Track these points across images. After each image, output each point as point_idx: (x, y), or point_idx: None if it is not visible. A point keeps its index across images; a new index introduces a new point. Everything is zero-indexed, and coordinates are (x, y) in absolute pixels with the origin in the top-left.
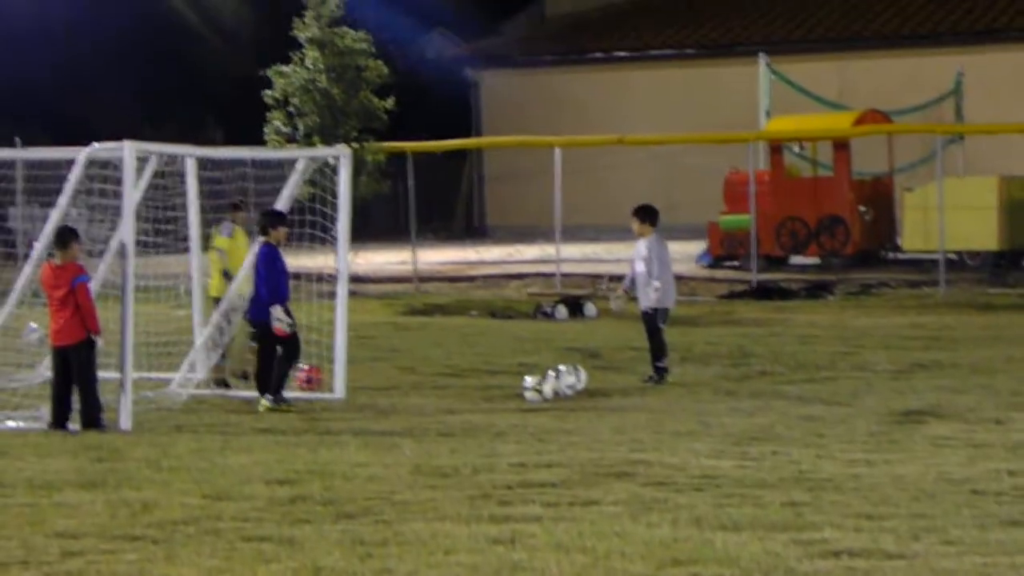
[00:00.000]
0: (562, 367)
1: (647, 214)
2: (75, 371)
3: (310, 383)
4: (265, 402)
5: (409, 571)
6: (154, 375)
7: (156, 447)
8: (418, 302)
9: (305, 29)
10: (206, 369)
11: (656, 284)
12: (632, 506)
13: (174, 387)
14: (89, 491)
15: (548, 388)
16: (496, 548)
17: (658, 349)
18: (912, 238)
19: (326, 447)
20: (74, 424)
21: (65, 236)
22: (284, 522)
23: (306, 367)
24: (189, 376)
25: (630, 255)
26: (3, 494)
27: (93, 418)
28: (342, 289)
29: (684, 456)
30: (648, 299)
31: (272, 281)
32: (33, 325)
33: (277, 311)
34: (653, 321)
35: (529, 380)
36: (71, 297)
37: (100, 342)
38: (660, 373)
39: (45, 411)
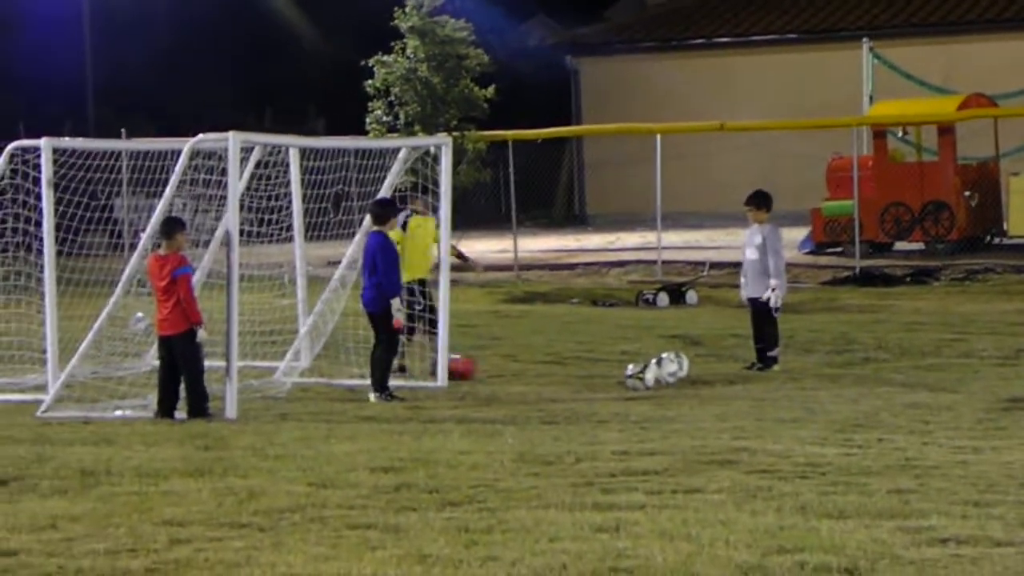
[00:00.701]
0: (664, 355)
1: (763, 200)
2: (181, 360)
3: (462, 375)
4: (372, 398)
5: (514, 559)
6: (259, 363)
7: (261, 435)
8: (519, 290)
9: (406, 19)
10: (310, 357)
11: (773, 283)
12: (736, 494)
13: (279, 375)
14: (196, 479)
15: (650, 376)
16: (600, 536)
17: (772, 338)
18: (1018, 223)
19: (429, 435)
20: (180, 412)
21: (171, 226)
22: (389, 510)
23: (458, 356)
24: (294, 364)
25: (730, 242)
26: (111, 482)
27: (199, 407)
28: (444, 277)
29: (788, 443)
30: (759, 289)
31: (390, 272)
32: (139, 314)
33: (397, 303)
34: (767, 310)
35: (631, 368)
36: (174, 287)
37: (202, 333)
38: (770, 362)
39: (152, 400)
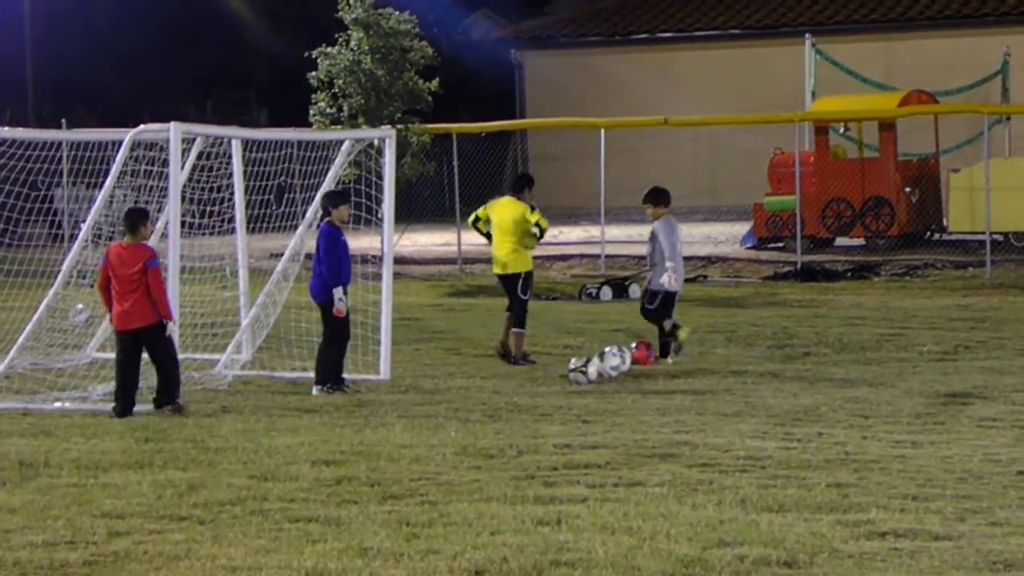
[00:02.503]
0: (607, 349)
1: (659, 196)
2: (155, 352)
3: (647, 361)
4: (315, 392)
5: (455, 552)
6: (200, 356)
7: (202, 428)
8: (462, 283)
9: (350, 10)
10: (252, 350)
11: (669, 265)
12: (677, 487)
13: (220, 368)
14: (136, 471)
15: (592, 370)
16: (541, 529)
17: (670, 327)
18: (958, 219)
19: (371, 428)
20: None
21: (135, 218)
22: (330, 503)
23: (635, 345)
24: (235, 357)
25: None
26: (50, 474)
27: (173, 395)
28: (387, 271)
29: (729, 437)
30: (656, 281)
31: (333, 262)
32: (80, 306)
33: (339, 292)
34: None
35: (574, 362)
36: (140, 279)
37: (171, 327)
38: (673, 348)
39: (93, 391)
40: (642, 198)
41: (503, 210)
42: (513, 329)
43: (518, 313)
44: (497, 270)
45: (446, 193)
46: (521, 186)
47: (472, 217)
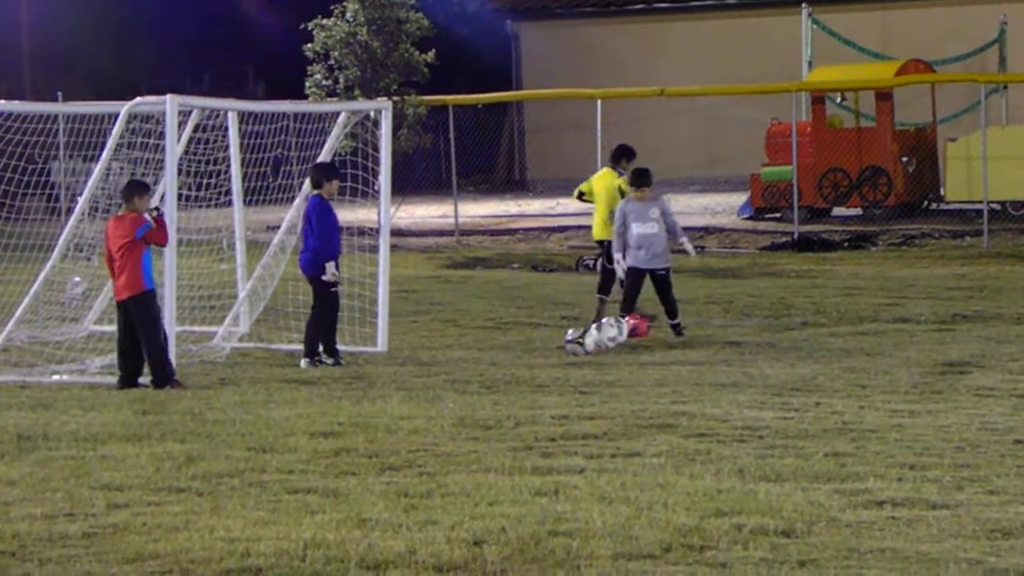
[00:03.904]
0: (604, 320)
1: (648, 177)
2: (136, 325)
3: (635, 334)
4: (303, 365)
5: (453, 522)
6: (197, 328)
7: (200, 400)
8: (459, 255)
9: None
10: (249, 322)
11: (685, 238)
12: (675, 457)
13: (217, 340)
14: (134, 444)
15: (590, 341)
16: (539, 500)
17: (676, 306)
18: (955, 189)
19: (369, 400)
20: (145, 379)
21: (129, 190)
22: (328, 474)
23: (633, 316)
24: (232, 330)
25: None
26: (48, 447)
27: (161, 374)
28: (384, 243)
29: (726, 407)
30: (661, 260)
31: (324, 235)
32: (76, 279)
33: (331, 267)
34: (667, 279)
35: (571, 333)
36: (130, 250)
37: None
38: (680, 330)
39: (90, 364)
40: (632, 182)
41: (600, 181)
42: (598, 295)
43: (604, 279)
44: (595, 235)
45: (443, 165)
46: (617, 157)
47: (576, 192)
